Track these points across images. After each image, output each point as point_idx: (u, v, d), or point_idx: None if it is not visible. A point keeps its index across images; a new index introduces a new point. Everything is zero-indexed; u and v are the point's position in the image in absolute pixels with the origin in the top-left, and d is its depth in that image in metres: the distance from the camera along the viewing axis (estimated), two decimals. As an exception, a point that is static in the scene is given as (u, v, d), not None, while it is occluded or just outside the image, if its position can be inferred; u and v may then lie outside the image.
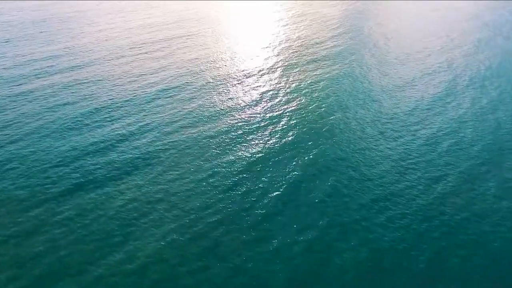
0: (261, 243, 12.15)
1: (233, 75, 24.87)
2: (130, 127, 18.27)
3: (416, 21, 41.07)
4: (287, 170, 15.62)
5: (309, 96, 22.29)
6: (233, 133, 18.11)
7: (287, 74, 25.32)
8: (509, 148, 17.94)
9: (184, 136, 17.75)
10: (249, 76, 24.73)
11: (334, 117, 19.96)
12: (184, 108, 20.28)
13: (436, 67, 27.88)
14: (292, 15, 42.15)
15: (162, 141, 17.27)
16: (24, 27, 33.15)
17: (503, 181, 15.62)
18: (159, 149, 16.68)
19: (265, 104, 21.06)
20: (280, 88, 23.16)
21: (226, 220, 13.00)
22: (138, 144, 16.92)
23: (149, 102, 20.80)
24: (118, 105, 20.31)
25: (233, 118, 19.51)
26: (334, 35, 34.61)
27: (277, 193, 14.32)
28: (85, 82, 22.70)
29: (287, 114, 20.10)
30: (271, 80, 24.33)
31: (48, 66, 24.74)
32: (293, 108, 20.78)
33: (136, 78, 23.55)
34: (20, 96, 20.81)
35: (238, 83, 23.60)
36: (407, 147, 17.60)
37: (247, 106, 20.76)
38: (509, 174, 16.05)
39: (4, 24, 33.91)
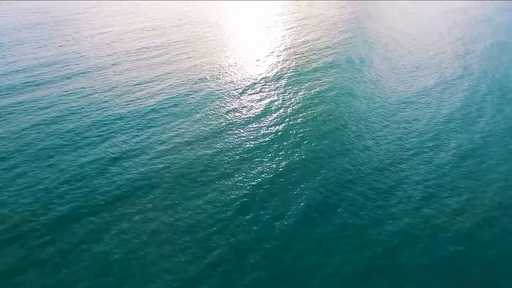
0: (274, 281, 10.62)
1: (235, 84, 23.33)
2: (125, 145, 16.72)
3: (427, 24, 39.50)
4: (296, 194, 14.07)
5: (317, 108, 20.73)
6: (235, 151, 16.57)
7: (293, 84, 23.76)
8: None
9: (184, 154, 16.21)
10: (253, 87, 23.18)
11: (347, 130, 18.42)
12: (183, 123, 18.73)
13: (451, 75, 26.30)
14: (297, 18, 40.60)
15: (160, 160, 15.73)
16: (17, 30, 31.66)
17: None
18: (157, 170, 15.14)
19: (269, 118, 19.51)
20: (285, 100, 21.61)
21: (230, 258, 11.47)
22: (133, 165, 15.38)
23: (145, 115, 19.25)
24: (112, 119, 18.77)
25: (236, 133, 17.97)
26: (341, 39, 33.05)
27: (286, 223, 12.77)
28: (77, 93, 21.17)
29: (294, 129, 18.54)
30: (275, 90, 22.79)
31: (38, 75, 23.21)
32: (300, 122, 19.22)
33: (131, 88, 22.01)
34: (5, 109, 19.28)
35: (241, 94, 22.06)
36: (429, 166, 16.05)
37: (252, 120, 19.21)
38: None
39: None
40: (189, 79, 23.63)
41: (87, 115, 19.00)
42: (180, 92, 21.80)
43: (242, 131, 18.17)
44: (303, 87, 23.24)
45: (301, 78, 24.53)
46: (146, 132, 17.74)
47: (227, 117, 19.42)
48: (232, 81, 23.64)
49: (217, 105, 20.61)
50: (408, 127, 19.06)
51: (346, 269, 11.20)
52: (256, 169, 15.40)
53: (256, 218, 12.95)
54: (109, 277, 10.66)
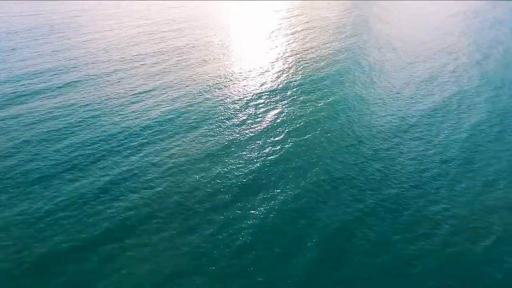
0: None
1: (238, 97, 21.61)
2: (119, 167, 15.03)
3: (438, 27, 37.74)
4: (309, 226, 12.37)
5: (327, 123, 19.03)
6: (239, 175, 14.87)
7: (299, 94, 22.05)
8: None
9: (183, 178, 14.51)
10: (257, 99, 21.46)
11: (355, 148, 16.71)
12: (181, 140, 17.03)
13: (467, 84, 24.57)
14: (301, 21, 38.82)
15: (157, 184, 14.04)
16: (8, 34, 29.97)
17: None
18: (154, 196, 13.45)
19: (275, 135, 17.81)
20: (291, 114, 19.90)
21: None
22: (126, 192, 13.69)
23: (141, 131, 17.56)
24: (104, 136, 17.08)
25: (240, 153, 16.26)
26: (346, 44, 31.31)
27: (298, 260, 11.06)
28: (65, 108, 19.47)
29: (305, 149, 16.84)
30: (281, 102, 21.08)
31: (26, 86, 21.52)
32: (312, 142, 17.52)
33: (126, 99, 20.32)
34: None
35: (245, 107, 20.33)
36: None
37: (256, 138, 17.50)
38: None
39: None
40: (188, 90, 21.92)
41: (76, 133, 17.32)
42: (179, 106, 20.10)
43: (246, 151, 16.45)
44: (311, 98, 21.52)
45: (308, 88, 22.82)
46: (141, 152, 16.04)
47: (230, 134, 17.71)
48: (235, 93, 21.93)
49: (218, 120, 18.90)
50: (428, 147, 17.35)
51: None
52: (264, 201, 13.70)
53: (263, 256, 11.26)
54: None
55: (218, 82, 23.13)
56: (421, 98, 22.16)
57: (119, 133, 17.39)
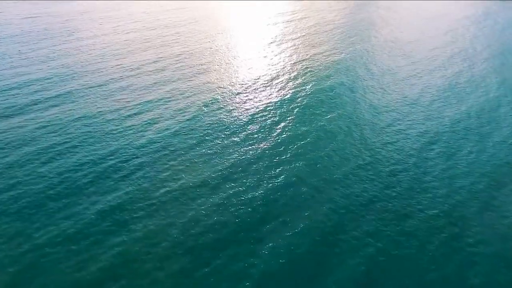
0: None
1: (241, 111, 20.03)
2: (113, 193, 13.46)
3: (444, 34, 36.18)
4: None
5: (336, 136, 17.48)
6: (244, 203, 13.32)
7: (307, 106, 20.48)
8: None
9: (184, 204, 12.96)
10: (262, 113, 19.88)
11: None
12: (180, 160, 15.45)
13: (488, 99, 23.03)
14: (305, 25, 37.23)
15: (155, 213, 12.48)
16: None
17: None
18: (152, 228, 11.90)
19: (281, 156, 16.25)
20: (297, 129, 18.35)
21: None
22: (123, 224, 12.14)
23: (137, 151, 15.98)
24: (96, 157, 15.49)
25: (245, 176, 14.68)
26: (353, 50, 29.74)
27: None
28: (55, 124, 17.78)
29: (315, 171, 15.27)
30: (286, 115, 19.51)
31: (15, 97, 19.91)
32: (316, 162, 15.96)
33: (121, 113, 18.73)
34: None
35: (249, 123, 18.74)
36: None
37: (261, 157, 15.93)
38: None
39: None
40: (188, 104, 20.29)
41: (67, 154, 15.70)
42: (178, 121, 18.50)
43: (251, 173, 14.87)
44: (320, 111, 19.96)
45: (317, 98, 21.26)
46: (138, 175, 14.46)
47: (233, 153, 16.11)
48: (237, 106, 20.33)
49: (220, 138, 17.31)
50: (452, 166, 15.78)
51: None
52: (272, 233, 12.13)
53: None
54: None
55: (219, 95, 21.55)
56: (439, 110, 20.60)
57: (114, 152, 15.79)
